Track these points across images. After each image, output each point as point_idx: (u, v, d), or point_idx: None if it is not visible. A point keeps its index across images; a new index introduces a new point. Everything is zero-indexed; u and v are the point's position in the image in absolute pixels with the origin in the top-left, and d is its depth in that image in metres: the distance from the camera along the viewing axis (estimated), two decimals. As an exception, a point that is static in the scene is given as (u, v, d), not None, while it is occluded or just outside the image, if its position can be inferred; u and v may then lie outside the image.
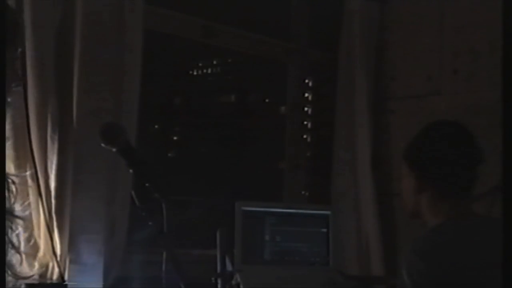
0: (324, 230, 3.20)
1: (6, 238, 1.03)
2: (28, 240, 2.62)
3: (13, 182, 1.06)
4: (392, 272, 3.63)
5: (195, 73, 3.84)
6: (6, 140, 1.04)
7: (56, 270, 2.65)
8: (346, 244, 3.64)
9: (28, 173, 2.63)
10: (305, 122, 3.95)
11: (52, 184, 2.68)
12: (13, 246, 1.05)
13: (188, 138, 3.75)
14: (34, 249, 2.68)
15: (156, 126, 3.64)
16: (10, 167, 2.60)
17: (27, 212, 2.51)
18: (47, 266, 2.68)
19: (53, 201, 2.67)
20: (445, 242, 2.26)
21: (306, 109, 3.96)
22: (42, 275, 2.67)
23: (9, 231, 1.04)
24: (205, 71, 3.86)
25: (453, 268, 2.21)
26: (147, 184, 2.02)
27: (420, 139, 2.40)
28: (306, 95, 3.97)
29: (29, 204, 2.59)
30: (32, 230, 2.64)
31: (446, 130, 2.39)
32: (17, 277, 1.04)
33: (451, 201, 2.32)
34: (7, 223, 1.03)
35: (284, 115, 3.94)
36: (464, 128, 2.37)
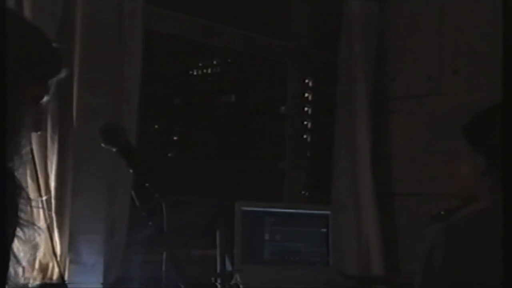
0: (324, 230, 3.19)
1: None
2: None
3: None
4: (392, 272, 3.64)
5: (195, 73, 3.84)
6: None
7: (56, 270, 2.65)
8: (346, 244, 3.64)
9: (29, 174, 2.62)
10: (305, 122, 3.95)
11: (52, 184, 2.68)
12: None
13: (188, 138, 3.75)
14: (34, 249, 2.68)
15: (156, 126, 3.63)
16: None
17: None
18: (47, 266, 2.68)
19: (53, 201, 2.67)
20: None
21: (306, 109, 3.96)
22: (42, 275, 2.67)
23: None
24: (205, 71, 3.85)
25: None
26: (147, 184, 2.01)
27: (488, 120, 2.32)
28: (306, 95, 3.97)
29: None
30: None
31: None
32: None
33: None
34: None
35: (284, 115, 3.94)
36: None
